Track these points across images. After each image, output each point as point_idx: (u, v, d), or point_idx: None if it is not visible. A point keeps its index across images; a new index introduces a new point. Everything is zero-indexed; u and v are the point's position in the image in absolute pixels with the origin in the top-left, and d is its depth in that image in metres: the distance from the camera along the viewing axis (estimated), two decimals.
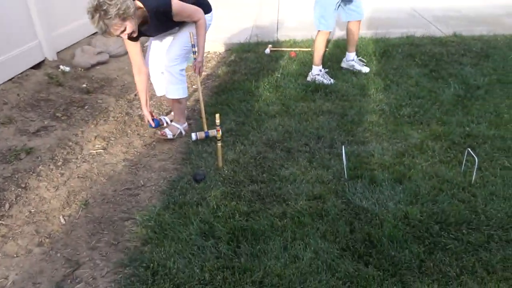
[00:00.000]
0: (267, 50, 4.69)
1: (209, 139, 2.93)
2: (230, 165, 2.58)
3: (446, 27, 5.27)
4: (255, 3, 7.09)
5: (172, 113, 3.23)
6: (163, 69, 2.91)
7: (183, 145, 2.95)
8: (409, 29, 5.18)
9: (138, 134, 3.14)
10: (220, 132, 2.48)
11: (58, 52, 4.29)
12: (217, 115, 2.40)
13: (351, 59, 4.06)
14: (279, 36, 5.24)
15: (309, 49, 4.64)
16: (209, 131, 2.90)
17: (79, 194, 2.42)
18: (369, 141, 2.85)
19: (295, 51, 4.60)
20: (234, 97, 3.61)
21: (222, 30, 5.62)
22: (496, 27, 5.09)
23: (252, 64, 4.39)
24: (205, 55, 4.97)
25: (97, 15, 2.25)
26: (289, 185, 2.37)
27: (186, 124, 3.10)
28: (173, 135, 2.97)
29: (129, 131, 3.17)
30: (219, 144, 2.49)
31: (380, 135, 2.93)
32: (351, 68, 4.06)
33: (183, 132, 3.04)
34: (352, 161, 2.57)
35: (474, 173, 2.32)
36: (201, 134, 2.89)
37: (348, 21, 3.91)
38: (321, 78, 3.84)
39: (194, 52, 2.84)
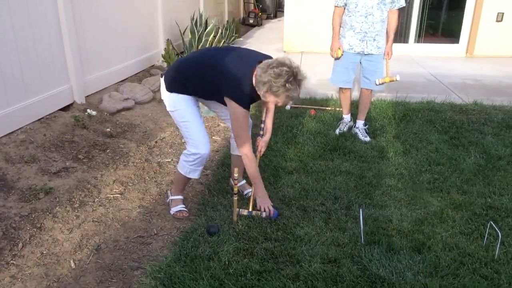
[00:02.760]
0: (288, 107, 4.79)
1: (224, 191, 2.92)
2: (244, 220, 2.56)
3: (465, 95, 5.32)
4: None
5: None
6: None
7: (199, 195, 2.95)
8: (429, 94, 5.25)
9: (155, 181, 3.16)
10: (236, 186, 2.47)
11: (87, 96, 4.46)
12: (236, 169, 2.42)
13: (356, 127, 4.09)
14: (300, 93, 5.36)
15: (329, 108, 4.72)
16: (253, 211, 2.62)
17: (92, 238, 2.41)
18: (387, 205, 2.80)
19: (315, 109, 4.69)
20: (253, 150, 3.63)
21: None
22: None
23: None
24: None
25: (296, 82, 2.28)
26: (303, 246, 2.32)
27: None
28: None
29: (147, 178, 3.20)
30: (235, 198, 2.48)
31: (398, 200, 2.88)
32: (356, 136, 4.05)
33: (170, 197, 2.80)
34: (369, 225, 2.52)
35: (498, 248, 2.24)
36: (243, 212, 2.60)
37: (361, 88, 4.03)
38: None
39: (261, 129, 2.75)
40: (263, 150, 2.78)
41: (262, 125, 2.73)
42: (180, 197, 2.77)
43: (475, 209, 2.73)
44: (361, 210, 2.45)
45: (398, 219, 2.62)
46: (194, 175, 2.63)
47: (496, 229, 2.22)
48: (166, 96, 2.52)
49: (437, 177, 3.22)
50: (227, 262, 2.14)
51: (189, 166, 2.58)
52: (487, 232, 2.39)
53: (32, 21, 3.59)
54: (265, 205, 2.56)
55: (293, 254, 2.24)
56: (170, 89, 2.49)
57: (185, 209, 2.72)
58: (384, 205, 2.81)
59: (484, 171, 3.29)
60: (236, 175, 2.42)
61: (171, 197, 2.77)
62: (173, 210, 2.71)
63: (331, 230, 2.49)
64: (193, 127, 2.52)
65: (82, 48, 4.34)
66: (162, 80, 2.54)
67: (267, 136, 2.77)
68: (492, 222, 2.32)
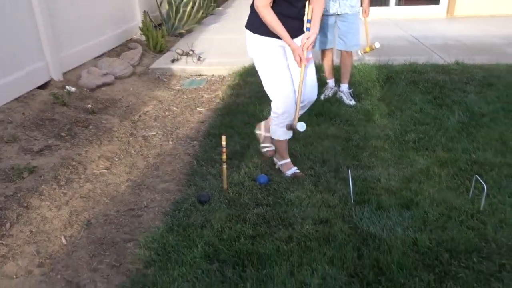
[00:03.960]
0: None
1: (213, 160, 2.90)
2: (235, 187, 2.55)
3: (447, 55, 5.33)
4: None
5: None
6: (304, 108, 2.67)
7: (187, 166, 2.93)
8: (411, 56, 5.24)
9: (141, 155, 3.12)
10: (225, 154, 2.45)
11: (64, 73, 4.32)
12: (223, 137, 2.39)
13: (340, 91, 4.07)
14: None
15: None
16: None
17: (81, 214, 2.39)
18: (375, 166, 2.83)
19: None
20: (239, 119, 3.61)
21: (226, 54, 5.70)
22: (497, 56, 5.15)
23: (256, 88, 4.40)
24: (208, 78, 5.04)
25: None
26: (294, 209, 2.34)
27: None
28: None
29: (133, 152, 3.16)
30: (225, 166, 2.47)
31: (385, 160, 2.91)
32: (341, 100, 4.04)
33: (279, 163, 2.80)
34: (358, 186, 2.54)
35: (483, 200, 2.29)
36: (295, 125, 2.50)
37: (338, 50, 3.98)
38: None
39: (308, 21, 2.45)
40: (308, 45, 2.41)
41: (309, 17, 2.43)
42: (288, 160, 2.77)
43: (460, 165, 2.77)
44: (349, 171, 2.47)
45: (386, 178, 2.65)
46: (285, 137, 2.66)
47: (482, 182, 2.27)
48: (248, 38, 2.53)
49: (422, 136, 3.25)
50: (220, 229, 2.15)
51: (275, 127, 2.62)
52: (472, 185, 2.44)
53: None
54: (299, 52, 2.40)
55: (285, 218, 2.26)
56: (252, 29, 2.49)
57: (299, 171, 2.72)
58: (372, 165, 2.84)
59: (467, 129, 3.33)
60: (224, 143, 2.40)
61: (279, 163, 2.78)
62: (288, 173, 2.71)
63: (321, 192, 2.51)
64: (271, 78, 2.47)
65: (55, 23, 4.17)
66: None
67: (313, 30, 2.42)
68: (477, 176, 2.37)
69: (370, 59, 5.10)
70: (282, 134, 2.66)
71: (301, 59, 2.43)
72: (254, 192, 2.51)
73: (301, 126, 2.45)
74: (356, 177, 2.64)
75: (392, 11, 7.88)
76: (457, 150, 2.99)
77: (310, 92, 2.62)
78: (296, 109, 2.53)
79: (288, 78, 2.49)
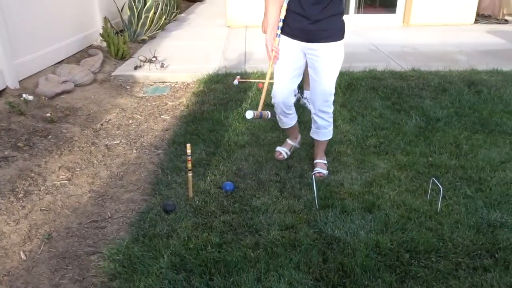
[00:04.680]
0: (236, 81, 4.76)
1: (178, 169, 2.88)
2: (201, 195, 2.55)
3: (404, 62, 5.56)
4: (223, 36, 7.23)
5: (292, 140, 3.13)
6: (314, 113, 2.77)
7: (152, 175, 2.89)
8: (370, 63, 5.43)
9: (104, 164, 3.05)
10: (191, 162, 2.45)
11: (20, 81, 4.16)
12: (188, 145, 2.38)
13: (304, 97, 4.21)
14: (247, 67, 5.35)
15: None
16: (263, 112, 2.61)
17: (41, 228, 2.30)
18: (338, 170, 2.91)
19: (262, 82, 4.69)
20: (204, 127, 3.61)
21: (190, 61, 5.68)
22: (450, 63, 5.43)
23: (221, 95, 4.43)
24: (172, 85, 5.00)
25: None
26: (261, 215, 2.36)
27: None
28: (327, 171, 2.86)
29: (95, 161, 3.08)
30: (190, 174, 2.46)
31: (348, 165, 2.99)
32: (304, 106, 4.16)
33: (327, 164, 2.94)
34: (323, 191, 2.60)
35: (440, 202, 2.41)
36: (257, 113, 2.55)
37: None
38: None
39: (279, 27, 2.56)
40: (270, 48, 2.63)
41: (281, 24, 2.57)
42: (287, 141, 3.12)
43: (418, 168, 2.90)
44: (313, 176, 2.53)
45: (349, 183, 2.73)
46: (281, 125, 2.96)
47: (438, 184, 2.39)
48: None
49: (383, 141, 3.37)
50: (186, 238, 2.14)
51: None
52: (430, 188, 2.56)
53: None
54: (268, 48, 2.63)
55: (251, 224, 2.28)
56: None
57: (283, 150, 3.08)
58: (336, 170, 2.91)
59: (424, 133, 3.49)
60: (189, 151, 2.39)
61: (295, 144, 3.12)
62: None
63: (286, 198, 2.55)
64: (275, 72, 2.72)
65: (10, 28, 4.01)
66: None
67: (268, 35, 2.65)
68: (434, 179, 2.49)
69: None
70: (280, 123, 2.98)
71: (269, 56, 2.64)
72: (220, 200, 2.51)
73: (248, 114, 2.53)
74: (320, 182, 2.70)
75: (352, 19, 8.13)
76: (415, 154, 3.12)
77: (315, 99, 2.71)
78: (261, 99, 2.69)
79: (282, 77, 2.68)
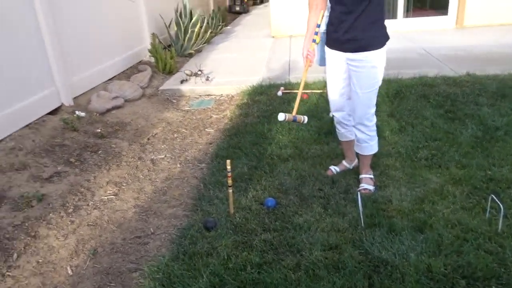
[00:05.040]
0: (279, 92, 4.72)
1: (220, 184, 2.87)
2: (242, 212, 2.51)
3: (458, 67, 5.25)
4: (267, 47, 7.23)
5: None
6: (354, 125, 2.68)
7: (194, 190, 2.90)
8: (421, 69, 5.17)
9: (149, 179, 3.11)
10: (231, 178, 2.42)
11: (74, 98, 4.38)
12: (228, 161, 2.36)
13: None
14: (291, 78, 5.29)
15: (321, 91, 4.65)
16: (297, 116, 2.52)
17: (88, 243, 2.37)
18: (386, 185, 2.76)
19: (307, 93, 4.62)
20: (247, 140, 3.59)
21: (234, 73, 5.73)
22: (509, 66, 5.04)
23: (265, 106, 4.40)
24: (217, 98, 5.05)
25: None
26: (303, 234, 2.28)
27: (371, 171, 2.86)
28: (375, 187, 2.72)
29: (141, 176, 3.15)
30: (230, 190, 2.43)
31: (397, 179, 2.83)
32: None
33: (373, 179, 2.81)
34: (369, 208, 2.47)
35: (501, 221, 2.20)
36: (290, 117, 2.48)
37: None
38: None
39: (315, 33, 2.51)
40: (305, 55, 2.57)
41: (317, 29, 2.52)
42: (343, 162, 3.04)
43: (475, 183, 2.68)
44: (359, 193, 2.41)
45: (397, 199, 2.57)
46: (338, 137, 2.94)
47: (498, 202, 2.18)
48: None
49: (435, 153, 3.17)
50: (226, 257, 2.10)
51: None
52: (488, 205, 2.35)
53: (6, 27, 3.49)
54: (303, 55, 2.58)
55: (293, 243, 2.20)
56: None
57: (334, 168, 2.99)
58: (383, 185, 2.76)
59: (482, 143, 3.24)
60: (229, 167, 2.36)
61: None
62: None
63: (330, 215, 2.45)
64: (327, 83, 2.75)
65: (65, 49, 4.24)
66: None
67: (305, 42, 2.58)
68: (493, 195, 2.28)
69: None
70: (337, 133, 2.92)
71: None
72: (261, 217, 2.46)
73: (280, 116, 2.48)
74: (366, 198, 2.57)
75: (400, 23, 7.85)
76: (472, 167, 2.90)
77: (354, 111, 2.62)
78: (295, 103, 2.61)
79: (332, 88, 2.70)
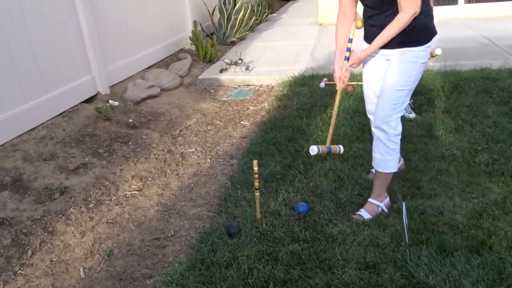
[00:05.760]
0: (322, 84, 4.40)
1: (248, 183, 2.65)
2: (269, 217, 2.27)
3: None
4: (313, 35, 6.87)
5: None
6: (373, 127, 2.24)
7: (221, 189, 2.70)
8: (483, 60, 4.63)
9: (177, 174, 2.95)
10: (258, 180, 2.18)
11: (111, 86, 4.32)
12: (255, 162, 2.12)
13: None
14: None
15: None
16: (332, 146, 2.33)
17: (104, 243, 2.24)
18: (437, 194, 2.41)
19: (352, 85, 4.26)
20: (283, 135, 3.33)
21: (276, 62, 5.45)
22: None
23: (305, 99, 4.11)
24: (256, 88, 4.81)
25: None
26: (336, 248, 2.00)
27: (387, 198, 2.34)
28: (372, 217, 2.25)
29: (168, 171, 2.99)
30: (257, 193, 2.19)
31: (451, 187, 2.47)
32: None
33: (385, 210, 2.30)
34: (415, 220, 2.15)
35: None
36: (324, 148, 2.29)
37: None
38: None
39: (348, 49, 2.20)
40: (346, 74, 2.24)
41: (349, 44, 2.20)
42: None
43: None
44: (403, 204, 2.09)
45: (450, 211, 2.22)
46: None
47: None
48: None
49: (497, 158, 2.75)
50: (247, 270, 1.88)
51: None
52: None
53: (45, 13, 3.43)
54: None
55: (324, 258, 1.94)
56: None
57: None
58: (434, 194, 2.41)
59: None
60: (256, 168, 2.13)
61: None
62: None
63: (369, 227, 2.15)
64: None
65: (103, 37, 4.16)
66: None
67: (354, 58, 2.21)
68: None
69: (434, 65, 4.57)
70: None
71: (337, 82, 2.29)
72: (290, 224, 2.21)
73: (312, 150, 2.24)
74: (413, 208, 2.25)
75: (461, 9, 7.16)
76: None
77: (376, 110, 2.22)
78: (329, 131, 2.35)
79: (366, 86, 2.39)
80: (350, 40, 2.22)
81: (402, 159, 2.64)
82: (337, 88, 2.31)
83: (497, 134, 3.07)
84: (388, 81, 2.11)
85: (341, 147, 2.40)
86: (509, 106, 3.52)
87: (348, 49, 2.21)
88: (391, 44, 2.06)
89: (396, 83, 2.08)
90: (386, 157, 2.20)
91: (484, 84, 3.99)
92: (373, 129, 2.23)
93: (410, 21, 1.96)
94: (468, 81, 4.06)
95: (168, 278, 1.88)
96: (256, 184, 2.16)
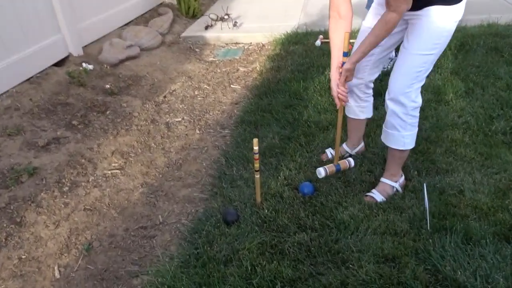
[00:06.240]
0: (318, 42, 4.03)
1: (245, 159, 2.36)
2: (271, 200, 2.01)
3: None
4: None
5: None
6: (388, 98, 1.90)
7: (214, 166, 2.41)
8: (490, 14, 4.30)
9: (162, 148, 2.64)
10: (258, 161, 1.89)
11: (85, 47, 3.87)
12: (255, 141, 1.82)
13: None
14: None
15: None
16: (341, 162, 2.10)
17: (82, 234, 1.95)
18: (455, 169, 2.17)
19: (351, 43, 3.89)
20: (279, 101, 3.01)
21: (266, 18, 5.01)
22: None
23: (300, 59, 3.76)
24: (245, 47, 4.41)
25: None
26: (349, 237, 1.76)
27: (403, 177, 2.08)
28: (385, 199, 2.00)
29: (153, 145, 2.68)
30: (257, 176, 1.91)
31: (468, 160, 2.23)
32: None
33: (400, 190, 2.05)
34: (435, 201, 1.91)
35: None
36: (332, 168, 2.07)
37: None
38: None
39: (343, 64, 1.85)
40: (346, 79, 1.88)
41: (345, 58, 1.86)
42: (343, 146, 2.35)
43: None
44: (424, 185, 1.84)
45: (471, 190, 1.99)
46: (346, 111, 2.24)
47: None
48: None
49: None
50: (249, 268, 1.63)
51: None
52: None
53: None
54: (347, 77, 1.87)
55: (336, 250, 1.70)
56: None
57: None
58: (450, 169, 2.17)
59: None
60: (256, 147, 1.83)
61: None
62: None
63: (384, 210, 1.91)
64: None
65: None
66: None
67: (349, 63, 1.83)
68: None
69: None
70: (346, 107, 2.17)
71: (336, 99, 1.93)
72: (295, 208, 1.95)
73: (318, 172, 2.04)
74: (430, 186, 2.01)
75: None
76: None
77: (392, 77, 1.88)
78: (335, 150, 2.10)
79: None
80: (345, 54, 1.84)
81: (361, 144, 2.37)
82: (337, 108, 1.97)
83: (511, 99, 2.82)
84: (411, 44, 1.78)
85: (351, 160, 2.12)
86: None
87: (344, 64, 1.85)
88: (415, 4, 1.70)
89: (424, 46, 1.75)
90: (402, 132, 1.91)
91: (493, 42, 3.69)
92: (387, 101, 1.92)
93: (399, 20, 1.65)
94: (475, 38, 3.75)
95: (159, 279, 1.62)
96: (256, 165, 1.87)
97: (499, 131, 2.48)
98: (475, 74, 3.21)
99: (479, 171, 2.14)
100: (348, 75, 1.87)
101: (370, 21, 1.93)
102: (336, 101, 1.92)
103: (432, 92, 3.00)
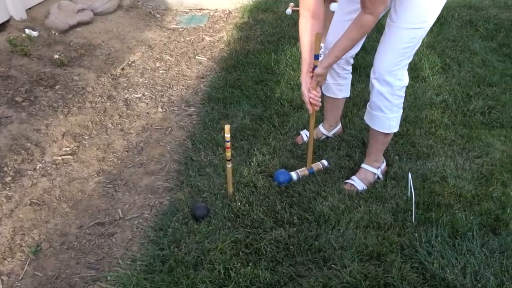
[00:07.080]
0: (289, 10, 3.77)
1: (213, 142, 2.16)
2: (244, 190, 1.83)
3: None
4: None
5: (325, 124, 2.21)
6: (373, 78, 1.74)
7: (179, 150, 2.19)
8: None
9: (121, 129, 2.37)
10: (230, 149, 1.69)
11: (28, 9, 3.42)
12: (227, 127, 1.61)
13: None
14: None
15: None
16: (314, 165, 1.95)
17: (28, 234, 1.70)
18: (436, 152, 2.07)
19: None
20: (249, 76, 2.79)
21: None
22: None
23: (270, 28, 3.51)
24: (210, 14, 4.09)
25: None
26: (330, 232, 1.62)
27: (384, 163, 1.95)
28: (366, 187, 1.86)
29: (110, 125, 2.40)
30: (229, 165, 1.71)
31: (449, 143, 2.14)
32: None
33: (381, 177, 1.92)
34: (419, 190, 1.80)
35: None
36: (304, 172, 1.92)
37: None
38: None
39: (315, 67, 1.69)
40: (319, 83, 1.74)
41: (317, 62, 1.68)
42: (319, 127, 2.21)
43: None
44: (409, 174, 1.72)
45: (454, 176, 1.90)
46: (323, 90, 2.07)
47: None
48: None
49: (493, 104, 2.45)
50: (222, 272, 1.46)
51: None
52: None
53: None
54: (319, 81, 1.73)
55: (317, 248, 1.56)
56: None
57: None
58: (431, 152, 2.07)
59: None
60: (228, 135, 1.62)
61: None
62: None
63: (365, 200, 1.78)
64: None
65: None
66: None
67: (320, 67, 1.68)
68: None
69: None
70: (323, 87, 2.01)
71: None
72: (271, 199, 1.79)
73: (290, 178, 1.90)
74: (413, 173, 1.89)
75: None
76: None
77: (378, 54, 1.72)
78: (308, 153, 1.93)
79: (338, 14, 1.86)
80: (316, 57, 1.65)
81: (339, 126, 2.23)
82: (309, 113, 1.80)
83: (488, 76, 2.75)
84: (400, 16, 1.60)
85: (325, 162, 1.96)
86: (496, 41, 3.19)
87: (315, 67, 1.67)
88: None
89: (413, 19, 1.58)
90: (388, 114, 1.77)
91: (467, 15, 3.60)
92: (372, 81, 1.75)
93: (375, 23, 1.51)
94: (450, 11, 3.65)
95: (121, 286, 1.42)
96: (228, 154, 1.67)
97: (477, 111, 2.40)
98: (451, 49, 3.11)
99: (460, 155, 2.05)
100: (320, 80, 1.70)
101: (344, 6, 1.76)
102: (308, 106, 1.77)
103: (408, 68, 2.87)
